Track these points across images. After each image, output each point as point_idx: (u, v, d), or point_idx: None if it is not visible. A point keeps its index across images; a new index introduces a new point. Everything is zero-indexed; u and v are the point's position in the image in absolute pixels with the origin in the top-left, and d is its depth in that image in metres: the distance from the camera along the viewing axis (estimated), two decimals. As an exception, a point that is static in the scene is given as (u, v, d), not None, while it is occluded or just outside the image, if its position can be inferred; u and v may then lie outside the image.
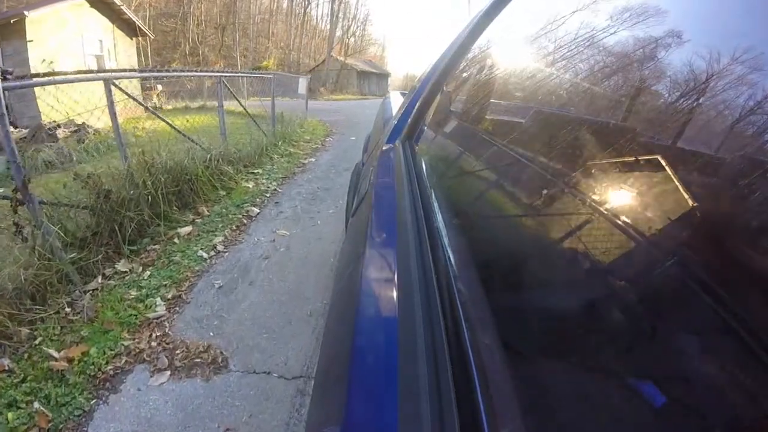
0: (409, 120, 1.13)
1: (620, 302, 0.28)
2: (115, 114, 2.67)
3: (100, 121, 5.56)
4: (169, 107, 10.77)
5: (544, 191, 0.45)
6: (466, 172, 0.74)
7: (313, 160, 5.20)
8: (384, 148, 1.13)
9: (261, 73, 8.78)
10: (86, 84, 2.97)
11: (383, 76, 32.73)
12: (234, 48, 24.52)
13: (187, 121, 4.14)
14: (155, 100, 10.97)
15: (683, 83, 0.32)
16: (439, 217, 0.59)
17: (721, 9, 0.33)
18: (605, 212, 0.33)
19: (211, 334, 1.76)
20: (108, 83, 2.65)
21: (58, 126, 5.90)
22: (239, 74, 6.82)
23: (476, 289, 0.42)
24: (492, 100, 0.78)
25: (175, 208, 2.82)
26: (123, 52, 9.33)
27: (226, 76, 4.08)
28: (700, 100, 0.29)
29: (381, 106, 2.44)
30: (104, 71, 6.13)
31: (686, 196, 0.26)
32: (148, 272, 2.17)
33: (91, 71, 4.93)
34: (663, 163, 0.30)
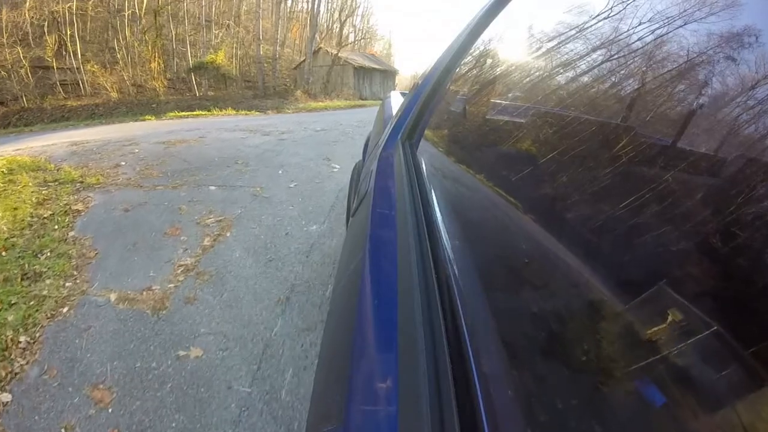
0: (410, 120, 1.13)
1: (620, 302, 0.28)
2: None
3: None
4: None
5: (545, 192, 0.45)
6: (466, 172, 0.74)
7: None
8: (384, 147, 1.13)
9: None
10: None
11: (389, 73, 24.32)
12: (182, 40, 17.10)
13: None
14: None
15: (689, 85, 0.32)
16: (439, 217, 0.59)
17: (725, 9, 0.33)
18: (606, 213, 0.33)
19: None
20: None
21: None
22: None
23: (476, 289, 0.42)
24: (493, 100, 0.78)
25: None
26: None
27: None
28: (706, 101, 0.29)
29: (381, 106, 2.42)
30: None
31: (689, 196, 0.26)
32: None
33: None
34: (666, 163, 0.30)
